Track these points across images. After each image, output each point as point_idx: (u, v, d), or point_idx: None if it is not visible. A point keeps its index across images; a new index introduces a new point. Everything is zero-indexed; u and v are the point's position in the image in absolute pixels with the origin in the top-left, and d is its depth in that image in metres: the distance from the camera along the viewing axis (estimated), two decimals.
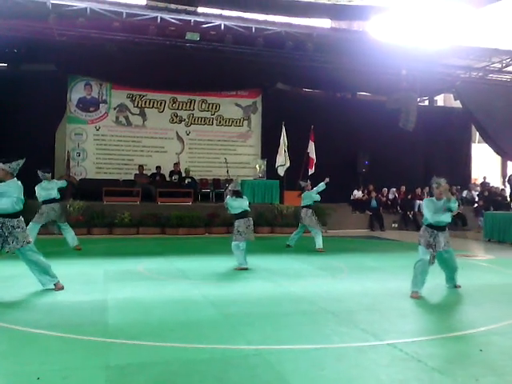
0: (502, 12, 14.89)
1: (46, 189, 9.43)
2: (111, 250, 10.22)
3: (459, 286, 6.66)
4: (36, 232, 9.21)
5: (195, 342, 4.19)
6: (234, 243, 8.04)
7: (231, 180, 16.55)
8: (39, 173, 9.50)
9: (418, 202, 16.59)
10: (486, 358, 3.94)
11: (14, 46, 14.22)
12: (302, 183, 10.92)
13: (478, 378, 3.53)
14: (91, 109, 16.33)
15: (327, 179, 10.68)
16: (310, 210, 10.41)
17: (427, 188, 17.59)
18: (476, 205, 17.68)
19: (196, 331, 4.56)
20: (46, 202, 9.39)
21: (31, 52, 14.25)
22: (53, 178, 10.40)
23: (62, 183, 9.80)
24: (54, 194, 9.46)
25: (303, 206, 10.51)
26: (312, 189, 10.59)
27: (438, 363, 3.80)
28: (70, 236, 9.73)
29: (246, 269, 7.93)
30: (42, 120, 14.80)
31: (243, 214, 8.11)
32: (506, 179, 19.45)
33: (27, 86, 14.29)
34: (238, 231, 8.01)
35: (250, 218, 8.21)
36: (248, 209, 8.19)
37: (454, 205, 6.18)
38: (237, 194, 8.17)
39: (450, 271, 6.63)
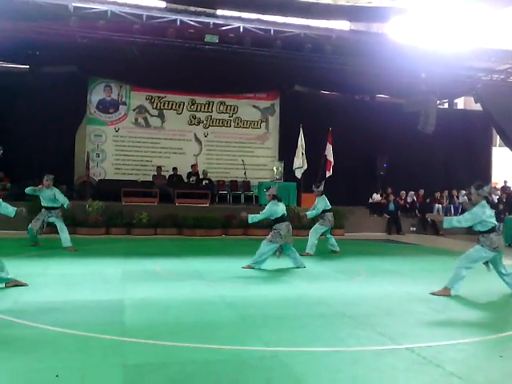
0: None
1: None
2: (129, 250, 10.29)
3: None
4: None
5: (211, 343, 4.20)
6: (267, 244, 8.13)
7: (248, 182, 16.74)
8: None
9: (436, 205, 16.41)
10: (505, 364, 3.88)
11: (36, 48, 14.41)
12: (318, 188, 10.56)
13: (497, 383, 3.48)
14: (111, 110, 16.51)
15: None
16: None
17: (446, 192, 17.42)
18: (496, 209, 17.40)
19: (212, 332, 4.57)
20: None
21: (52, 54, 14.44)
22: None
23: (63, 200, 9.79)
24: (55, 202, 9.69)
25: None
26: (321, 195, 10.35)
27: (457, 368, 3.75)
28: (64, 236, 9.73)
29: (253, 268, 8.08)
30: (63, 121, 15.02)
31: (284, 218, 8.31)
32: None
33: (48, 88, 14.49)
34: (280, 234, 8.13)
35: (289, 222, 8.41)
36: (286, 213, 8.42)
37: None
38: (278, 199, 8.39)
39: None
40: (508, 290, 6.59)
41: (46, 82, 14.73)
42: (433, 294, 6.43)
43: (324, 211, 10.23)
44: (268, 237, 8.26)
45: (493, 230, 6.33)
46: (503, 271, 6.55)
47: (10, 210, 6.85)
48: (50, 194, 9.60)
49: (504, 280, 6.61)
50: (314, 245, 10.10)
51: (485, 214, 6.26)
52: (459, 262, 6.42)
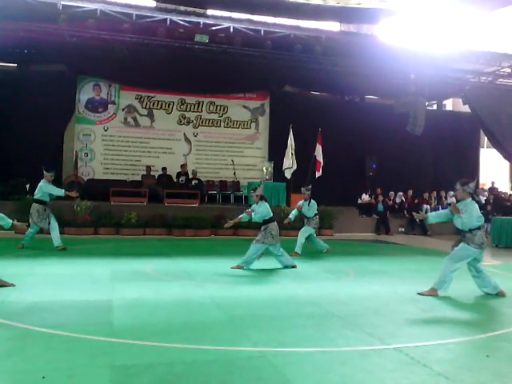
0: None
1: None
2: (118, 250, 10.25)
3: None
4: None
5: (200, 344, 4.19)
6: (258, 245, 8.13)
7: (238, 182, 16.73)
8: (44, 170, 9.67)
9: (425, 206, 16.52)
10: (492, 364, 3.91)
11: (24, 47, 14.31)
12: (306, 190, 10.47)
13: (484, 383, 3.50)
14: (100, 109, 16.43)
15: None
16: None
17: (435, 192, 17.55)
18: (484, 210, 17.57)
19: (201, 332, 4.56)
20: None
21: (41, 52, 14.35)
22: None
23: (59, 191, 9.77)
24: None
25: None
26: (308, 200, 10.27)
27: (445, 368, 3.77)
28: (56, 235, 9.67)
29: (243, 268, 8.08)
30: (51, 120, 14.92)
31: (273, 218, 8.35)
32: None
33: (36, 87, 14.38)
34: (272, 234, 8.16)
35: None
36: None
37: None
38: (265, 199, 8.43)
39: None
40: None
41: (35, 80, 14.62)
42: (420, 294, 6.47)
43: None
44: (258, 237, 8.26)
45: (479, 227, 6.39)
46: (480, 269, 6.58)
47: (5, 221, 6.46)
48: (50, 189, 9.64)
49: (475, 278, 6.65)
50: (302, 244, 10.12)
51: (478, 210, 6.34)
52: (446, 263, 6.46)
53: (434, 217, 6.92)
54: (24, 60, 15.07)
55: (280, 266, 8.45)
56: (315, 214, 10.35)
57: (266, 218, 8.28)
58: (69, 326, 4.53)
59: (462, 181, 6.48)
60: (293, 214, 10.26)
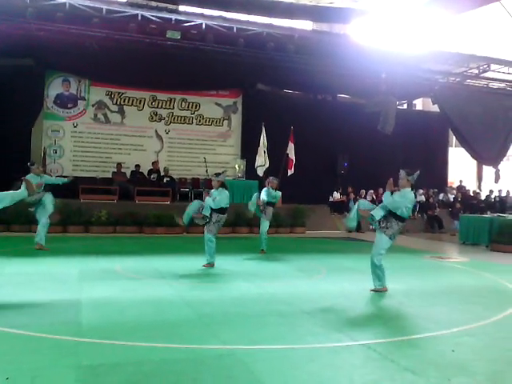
0: (480, 18, 15.12)
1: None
2: (87, 248, 10.08)
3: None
4: None
5: (169, 342, 4.15)
6: (210, 235, 8.02)
7: (210, 180, 16.58)
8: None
9: None
10: (457, 359, 3.99)
11: None
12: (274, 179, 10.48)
13: (450, 378, 3.57)
14: (69, 105, 16.12)
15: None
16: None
17: None
18: (452, 208, 17.93)
19: (171, 331, 4.52)
20: None
21: (7, 46, 13.88)
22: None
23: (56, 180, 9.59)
24: None
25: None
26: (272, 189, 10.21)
27: (411, 363, 3.83)
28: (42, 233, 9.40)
29: (213, 265, 8.04)
30: (18, 116, 14.54)
31: (226, 210, 8.16)
32: None
33: (2, 81, 14.01)
34: (219, 224, 8.07)
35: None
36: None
37: None
38: (225, 187, 8.18)
39: None
40: (464, 286, 6.74)
41: (1, 74, 14.23)
42: (373, 290, 6.51)
43: (268, 204, 10.12)
44: (209, 227, 8.06)
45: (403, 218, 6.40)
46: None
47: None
48: (40, 182, 9.25)
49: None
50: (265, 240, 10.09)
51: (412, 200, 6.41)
52: (374, 257, 6.39)
53: (377, 210, 6.62)
54: None
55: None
56: (273, 204, 10.25)
57: (224, 206, 8.09)
58: (34, 326, 4.43)
59: (407, 171, 6.55)
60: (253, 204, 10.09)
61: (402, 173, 6.50)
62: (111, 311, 5.17)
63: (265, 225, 10.13)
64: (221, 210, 8.08)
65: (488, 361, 4.02)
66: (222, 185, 8.16)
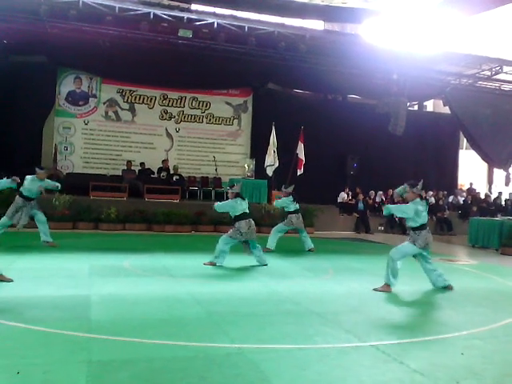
0: (493, 20, 15.03)
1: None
2: (97, 245, 10.14)
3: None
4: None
5: (178, 340, 4.17)
6: (226, 238, 8.14)
7: (219, 178, 16.68)
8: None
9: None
10: (467, 362, 3.98)
11: (4, 37, 14.04)
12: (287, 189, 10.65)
13: (458, 380, 3.56)
14: (80, 103, 16.21)
15: None
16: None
17: None
18: (462, 210, 17.83)
19: (180, 329, 4.54)
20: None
21: (21, 43, 14.08)
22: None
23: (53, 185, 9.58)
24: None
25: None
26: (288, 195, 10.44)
27: (420, 365, 3.83)
28: (46, 228, 9.41)
29: (215, 264, 8.07)
30: (30, 112, 14.69)
31: (245, 216, 8.23)
32: None
33: (15, 78, 14.16)
34: (240, 232, 8.13)
35: (251, 219, 8.35)
36: (248, 211, 8.33)
37: None
38: (241, 197, 8.34)
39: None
40: (473, 288, 6.73)
41: (14, 71, 14.38)
42: (375, 290, 6.56)
43: (289, 213, 10.37)
44: (228, 232, 8.28)
45: (423, 227, 6.51)
46: (430, 267, 6.79)
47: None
48: (40, 186, 9.18)
49: (429, 275, 6.84)
50: (275, 240, 10.26)
51: (416, 212, 6.43)
52: (391, 258, 6.56)
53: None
54: (3, 51, 14.77)
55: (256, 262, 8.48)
56: (289, 212, 10.42)
57: (230, 213, 8.30)
58: (45, 321, 4.48)
59: (410, 183, 6.61)
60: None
61: (407, 187, 6.59)
62: (121, 308, 5.20)
63: (278, 225, 10.46)
64: (236, 218, 8.22)
65: (497, 364, 4.01)
66: (238, 195, 8.33)
